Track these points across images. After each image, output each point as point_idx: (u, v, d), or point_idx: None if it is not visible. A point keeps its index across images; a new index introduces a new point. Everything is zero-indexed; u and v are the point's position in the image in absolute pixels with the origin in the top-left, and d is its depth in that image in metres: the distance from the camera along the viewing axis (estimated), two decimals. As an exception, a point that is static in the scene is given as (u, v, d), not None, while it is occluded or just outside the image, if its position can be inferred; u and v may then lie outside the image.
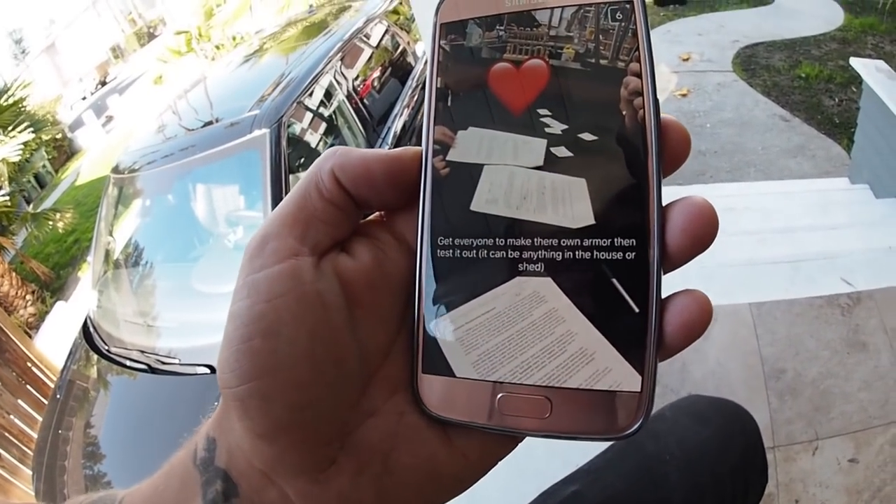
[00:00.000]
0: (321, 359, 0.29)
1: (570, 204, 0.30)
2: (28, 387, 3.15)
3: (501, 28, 0.33)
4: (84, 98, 18.21)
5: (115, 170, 2.81)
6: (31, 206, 8.70)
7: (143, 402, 2.14)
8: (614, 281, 0.29)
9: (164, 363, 2.10)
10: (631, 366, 0.28)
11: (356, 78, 3.13)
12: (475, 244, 0.32)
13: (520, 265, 0.31)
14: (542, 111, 0.31)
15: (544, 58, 0.32)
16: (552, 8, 0.32)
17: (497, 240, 0.31)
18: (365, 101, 3.10)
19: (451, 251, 0.32)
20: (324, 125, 2.76)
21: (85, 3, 20.70)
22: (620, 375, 0.28)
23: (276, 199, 2.20)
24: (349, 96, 2.97)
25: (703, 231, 0.28)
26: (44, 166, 11.17)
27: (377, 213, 0.36)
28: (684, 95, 4.56)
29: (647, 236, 0.29)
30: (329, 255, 0.32)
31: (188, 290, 2.33)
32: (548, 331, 0.30)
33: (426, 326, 0.32)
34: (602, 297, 0.29)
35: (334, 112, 2.86)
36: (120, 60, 21.47)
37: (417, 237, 0.33)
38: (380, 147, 2.90)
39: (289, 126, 2.44)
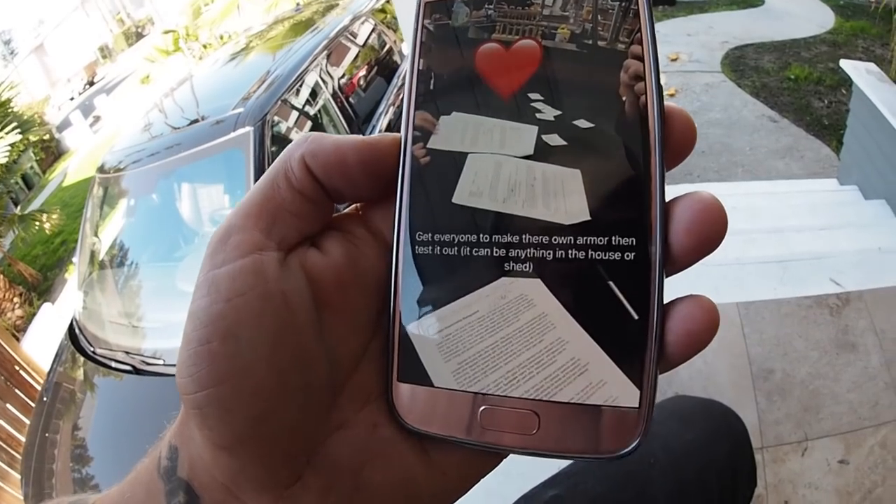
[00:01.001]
0: (285, 365, 0.27)
1: (562, 197, 0.28)
2: (16, 390, 3.13)
3: (490, 6, 0.30)
4: (72, 98, 18.16)
5: (101, 169, 2.78)
6: (19, 207, 8.67)
7: (130, 403, 2.11)
8: (611, 284, 0.26)
9: (148, 364, 2.08)
10: (628, 378, 0.26)
11: (342, 76, 3.13)
12: (457, 240, 0.29)
13: (506, 264, 0.28)
14: (533, 95, 0.29)
15: (537, 38, 0.29)
16: None
17: (481, 236, 0.29)
18: (350, 99, 3.11)
19: (430, 248, 0.30)
20: (309, 123, 2.75)
21: (74, 3, 20.61)
22: (616, 389, 0.26)
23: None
24: (335, 94, 2.97)
25: (711, 230, 0.26)
26: (31, 167, 11.13)
27: (353, 206, 0.33)
28: (672, 95, 4.59)
29: (648, 235, 0.26)
30: (297, 250, 0.29)
31: (173, 290, 2.31)
32: (536, 338, 0.27)
33: (402, 330, 0.30)
34: (597, 301, 0.27)
35: (319, 110, 2.86)
36: (108, 60, 21.41)
37: (394, 232, 0.30)
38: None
39: (273, 124, 2.43)
